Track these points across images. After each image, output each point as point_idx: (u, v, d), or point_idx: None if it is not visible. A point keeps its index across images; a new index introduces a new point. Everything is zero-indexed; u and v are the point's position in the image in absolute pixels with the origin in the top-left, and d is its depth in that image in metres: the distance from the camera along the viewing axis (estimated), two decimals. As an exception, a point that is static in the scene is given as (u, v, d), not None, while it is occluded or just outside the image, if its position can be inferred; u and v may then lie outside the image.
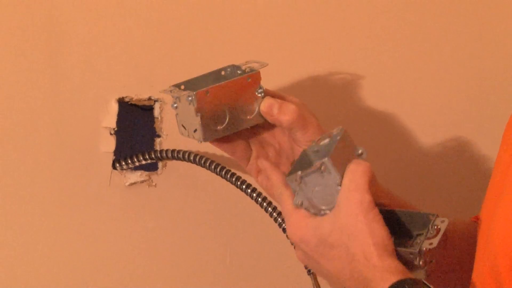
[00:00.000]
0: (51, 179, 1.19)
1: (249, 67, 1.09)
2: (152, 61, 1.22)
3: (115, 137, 1.22)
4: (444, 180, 1.42)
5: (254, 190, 1.16)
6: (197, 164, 1.18)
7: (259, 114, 1.09)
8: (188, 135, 1.08)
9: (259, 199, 1.16)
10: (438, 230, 0.98)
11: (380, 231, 0.95)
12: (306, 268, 1.16)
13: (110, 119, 1.21)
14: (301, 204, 1.00)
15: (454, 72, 1.38)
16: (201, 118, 1.05)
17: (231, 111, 1.07)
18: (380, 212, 0.98)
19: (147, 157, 1.21)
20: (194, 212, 1.27)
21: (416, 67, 1.37)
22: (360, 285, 0.96)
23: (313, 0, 1.29)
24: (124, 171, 1.23)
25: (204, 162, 1.17)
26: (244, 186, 1.16)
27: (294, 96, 1.10)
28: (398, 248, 0.97)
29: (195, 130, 1.06)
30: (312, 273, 1.16)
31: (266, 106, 1.08)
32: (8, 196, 1.18)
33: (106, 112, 1.21)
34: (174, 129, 1.23)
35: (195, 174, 1.25)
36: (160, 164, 1.25)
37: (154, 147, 1.25)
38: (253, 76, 1.08)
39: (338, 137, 1.00)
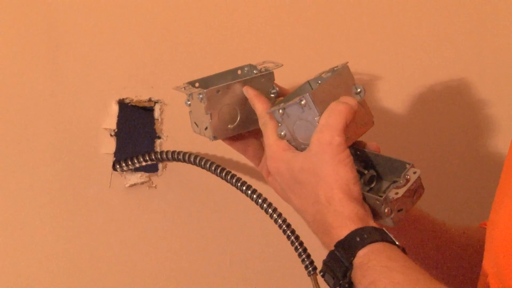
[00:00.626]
0: (51, 180, 1.19)
1: (264, 67, 1.09)
2: (152, 62, 1.22)
3: (115, 139, 1.22)
4: (451, 185, 1.42)
5: (254, 191, 1.16)
6: (197, 166, 1.18)
7: None
8: (200, 132, 1.08)
9: (259, 201, 1.16)
10: (408, 180, 0.98)
11: (346, 174, 0.94)
12: (306, 269, 1.16)
13: (111, 120, 1.21)
14: (284, 136, 1.00)
15: (462, 74, 1.39)
16: (211, 116, 1.05)
17: (242, 110, 1.07)
18: (358, 153, 0.98)
19: (147, 158, 1.21)
20: (194, 213, 1.27)
21: (422, 67, 1.37)
22: (321, 228, 0.96)
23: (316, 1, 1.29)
24: (125, 172, 1.23)
25: (205, 164, 1.17)
26: (244, 188, 1.16)
27: None
28: (366, 193, 0.97)
29: (206, 128, 1.06)
30: (313, 274, 1.16)
31: None
32: (9, 197, 1.18)
33: (106, 113, 1.21)
34: (175, 130, 1.23)
35: (195, 176, 1.25)
36: (160, 165, 1.25)
37: (154, 148, 1.25)
38: (267, 76, 1.08)
39: (339, 69, 1.00)
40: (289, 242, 1.16)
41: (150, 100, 1.23)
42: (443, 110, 1.39)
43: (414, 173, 0.99)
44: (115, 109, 1.21)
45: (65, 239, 1.21)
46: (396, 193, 0.97)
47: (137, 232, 1.25)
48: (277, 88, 1.08)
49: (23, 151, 1.17)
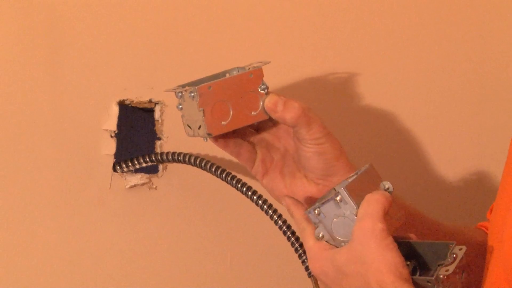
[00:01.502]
0: (51, 182, 1.19)
1: (252, 66, 1.10)
2: (152, 63, 1.22)
3: (115, 140, 1.22)
4: (449, 186, 1.42)
5: (254, 192, 1.16)
6: (197, 167, 1.18)
7: (264, 110, 1.09)
8: (194, 134, 1.08)
9: (260, 202, 1.16)
10: (456, 258, 0.98)
11: (394, 259, 0.94)
12: (306, 270, 1.16)
13: (111, 121, 1.21)
14: (322, 237, 1.01)
15: (461, 75, 1.39)
16: (204, 113, 1.05)
17: (235, 106, 1.07)
18: (398, 244, 0.97)
19: (148, 159, 1.21)
20: (194, 215, 1.27)
21: (420, 68, 1.37)
22: None
23: (312, 2, 1.29)
24: (125, 173, 1.23)
25: (205, 165, 1.17)
26: (244, 189, 1.17)
27: (295, 98, 1.10)
28: (414, 277, 0.97)
29: (199, 127, 1.07)
30: (312, 275, 1.16)
31: (271, 102, 1.08)
32: (9, 198, 1.18)
33: (106, 114, 1.21)
34: (175, 131, 1.23)
35: (195, 177, 1.25)
36: (160, 166, 1.25)
37: (155, 149, 1.25)
38: (256, 73, 1.08)
39: (367, 167, 1.01)
40: (290, 243, 1.16)
41: (150, 101, 1.23)
42: (442, 111, 1.39)
43: (460, 249, 0.99)
44: (115, 110, 1.21)
45: (66, 240, 1.21)
46: (446, 270, 0.96)
47: (138, 233, 1.25)
48: (267, 84, 1.08)
49: (23, 152, 1.17)
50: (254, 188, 1.17)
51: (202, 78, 1.10)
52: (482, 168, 1.42)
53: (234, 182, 1.17)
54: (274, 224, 1.17)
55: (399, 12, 1.35)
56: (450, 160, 1.41)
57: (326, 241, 1.00)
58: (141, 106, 1.23)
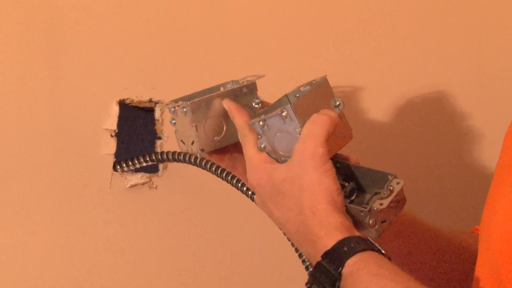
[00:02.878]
0: (52, 181, 1.19)
1: (246, 80, 1.09)
2: (153, 63, 1.22)
3: (116, 139, 1.22)
4: (443, 189, 1.42)
5: (254, 192, 1.16)
6: (197, 166, 1.18)
7: None
8: (187, 149, 1.07)
9: (260, 201, 1.17)
10: (392, 191, 0.98)
11: (330, 186, 0.94)
12: (306, 270, 1.16)
13: (111, 121, 1.21)
14: (264, 148, 0.99)
15: (454, 75, 1.39)
16: (196, 129, 1.04)
17: (228, 122, 1.07)
18: (339, 166, 0.97)
19: (148, 159, 1.21)
20: (194, 214, 1.27)
21: (416, 71, 1.37)
22: (306, 239, 0.94)
23: (309, 10, 1.29)
24: (125, 173, 1.23)
25: (205, 164, 1.17)
26: (244, 188, 1.16)
27: None
28: (349, 205, 0.97)
29: (192, 143, 1.06)
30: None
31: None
32: (9, 198, 1.18)
33: (107, 114, 1.21)
34: (175, 131, 1.23)
35: (195, 176, 1.25)
36: (160, 166, 1.25)
37: (155, 149, 1.25)
38: (249, 87, 1.08)
39: (319, 82, 1.00)
40: (290, 242, 1.16)
41: (150, 100, 1.23)
42: (434, 116, 1.39)
43: (398, 183, 0.98)
44: (115, 109, 1.21)
45: (66, 239, 1.21)
46: (381, 204, 0.97)
47: (138, 233, 1.25)
48: (261, 99, 1.08)
49: (23, 151, 1.17)
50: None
51: (197, 92, 1.08)
52: (480, 170, 1.42)
53: (234, 181, 1.17)
54: (274, 224, 1.17)
55: (399, 12, 1.35)
56: (447, 162, 1.41)
57: (267, 153, 0.99)
58: (141, 105, 1.23)
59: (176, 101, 1.07)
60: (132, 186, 1.23)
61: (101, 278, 1.24)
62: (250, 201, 1.17)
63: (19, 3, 1.14)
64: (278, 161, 0.99)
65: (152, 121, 1.24)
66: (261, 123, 0.99)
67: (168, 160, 1.20)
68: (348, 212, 0.96)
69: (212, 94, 1.06)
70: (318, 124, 0.96)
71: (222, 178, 1.17)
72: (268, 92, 1.26)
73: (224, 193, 1.25)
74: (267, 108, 1.04)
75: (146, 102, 1.23)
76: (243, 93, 1.07)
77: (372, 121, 1.36)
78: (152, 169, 1.24)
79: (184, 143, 1.07)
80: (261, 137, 1.00)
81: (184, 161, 1.19)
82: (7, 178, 1.17)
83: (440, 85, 1.38)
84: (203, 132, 1.05)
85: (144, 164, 1.22)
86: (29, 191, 1.18)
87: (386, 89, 1.36)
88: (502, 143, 1.02)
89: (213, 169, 1.17)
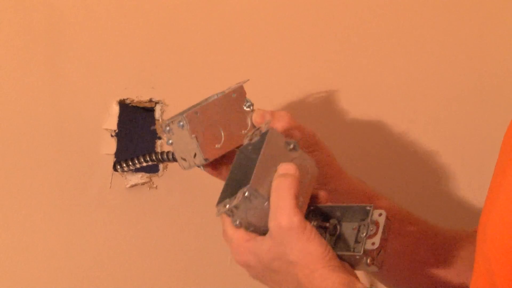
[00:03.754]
0: (52, 181, 1.19)
1: (230, 88, 1.09)
2: (153, 63, 1.22)
3: (116, 139, 1.22)
4: (445, 190, 1.42)
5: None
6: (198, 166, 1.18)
7: (253, 127, 1.09)
8: (190, 165, 1.07)
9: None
10: (378, 225, 0.97)
11: (317, 250, 0.94)
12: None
13: (111, 121, 1.21)
14: (240, 224, 0.98)
15: (452, 78, 1.39)
16: (197, 139, 1.04)
17: (225, 128, 1.07)
18: (317, 212, 0.97)
19: (148, 159, 1.21)
20: (195, 214, 1.27)
21: (413, 74, 1.37)
22: None
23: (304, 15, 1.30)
24: (125, 173, 1.23)
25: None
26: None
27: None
28: (342, 253, 0.96)
29: (195, 155, 1.06)
30: None
31: (258, 116, 1.07)
32: (9, 198, 1.18)
33: (107, 114, 1.21)
34: (175, 131, 1.23)
35: (196, 176, 1.24)
36: (161, 166, 1.25)
37: (155, 149, 1.25)
38: (237, 91, 1.08)
39: (266, 136, 0.99)
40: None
41: (151, 100, 1.23)
42: (440, 113, 1.39)
43: (380, 215, 0.98)
44: (116, 109, 1.21)
45: (66, 239, 1.21)
46: (373, 244, 0.96)
47: (138, 233, 1.24)
48: (251, 101, 1.08)
49: (24, 151, 1.17)
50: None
51: (184, 110, 1.09)
52: (483, 169, 1.42)
53: (234, 181, 1.17)
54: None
55: (398, 12, 1.35)
56: (447, 162, 1.41)
57: (245, 228, 0.98)
58: (141, 105, 1.23)
59: (167, 121, 1.06)
60: (132, 186, 1.23)
61: (101, 278, 1.23)
62: (251, 201, 1.17)
63: (19, 3, 1.14)
64: (258, 232, 0.98)
65: (152, 121, 1.24)
66: (227, 211, 0.98)
67: (168, 160, 1.20)
68: (342, 258, 0.96)
69: (205, 103, 1.06)
70: (283, 193, 0.95)
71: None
72: (267, 92, 1.26)
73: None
74: (225, 186, 1.02)
75: (146, 102, 1.23)
76: (233, 98, 1.07)
77: (371, 122, 1.36)
78: (152, 169, 1.24)
79: (185, 160, 1.07)
80: (233, 216, 0.98)
81: (185, 161, 1.19)
82: (7, 178, 1.17)
83: (443, 79, 1.38)
84: (204, 142, 1.05)
85: (144, 164, 1.21)
86: (29, 191, 1.18)
87: (386, 89, 1.36)
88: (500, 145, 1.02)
89: (213, 169, 1.17)
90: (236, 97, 1.08)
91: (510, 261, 0.86)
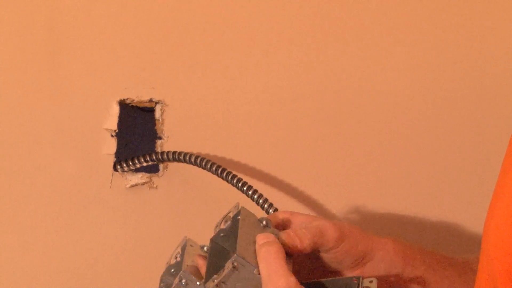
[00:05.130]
0: (52, 181, 1.19)
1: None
2: (153, 63, 1.22)
3: (116, 139, 1.22)
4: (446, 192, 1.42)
5: (255, 192, 1.16)
6: (198, 166, 1.18)
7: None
8: None
9: (260, 201, 1.16)
10: None
11: None
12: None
13: (111, 121, 1.21)
14: None
15: (454, 74, 1.39)
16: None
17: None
18: (308, 285, 0.94)
19: (148, 159, 1.21)
20: (195, 214, 1.27)
21: (416, 71, 1.37)
22: None
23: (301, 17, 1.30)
24: (125, 173, 1.23)
25: (206, 164, 1.17)
26: (245, 188, 1.16)
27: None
28: None
29: None
30: None
31: (285, 243, 0.99)
32: (9, 198, 1.18)
33: (107, 114, 1.21)
34: (175, 130, 1.23)
35: (196, 176, 1.25)
36: (161, 166, 1.25)
37: (155, 149, 1.24)
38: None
39: (238, 217, 0.97)
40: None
41: (151, 100, 1.23)
42: (440, 115, 1.39)
43: (371, 282, 0.95)
44: (116, 109, 1.21)
45: (66, 239, 1.21)
46: None
47: (138, 233, 1.25)
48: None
49: (24, 151, 1.17)
50: (255, 187, 1.16)
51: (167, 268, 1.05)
52: (485, 175, 1.42)
53: (234, 181, 1.16)
54: (275, 223, 1.17)
55: (397, 12, 1.35)
56: (448, 165, 1.41)
57: None
58: (141, 105, 1.23)
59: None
60: (132, 186, 1.23)
61: (101, 278, 1.24)
62: (251, 201, 1.17)
63: (19, 3, 1.14)
64: None
65: (153, 121, 1.24)
66: (217, 286, 0.95)
67: (169, 160, 1.20)
68: None
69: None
70: (274, 258, 0.93)
71: (223, 178, 1.17)
72: (268, 92, 1.26)
73: (224, 193, 1.25)
74: (208, 270, 0.97)
75: (146, 102, 1.23)
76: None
77: (372, 122, 1.36)
78: (153, 169, 1.24)
79: None
80: None
81: (185, 161, 1.19)
82: (7, 178, 1.17)
83: (438, 85, 1.38)
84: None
85: (145, 164, 1.22)
86: (29, 191, 1.18)
87: (385, 89, 1.36)
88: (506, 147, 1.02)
89: (214, 169, 1.17)
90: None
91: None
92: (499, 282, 0.87)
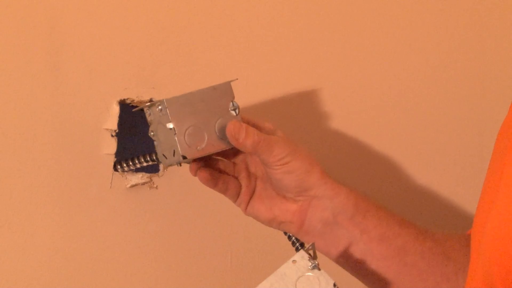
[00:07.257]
0: (52, 181, 1.19)
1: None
2: (153, 63, 1.22)
3: (116, 139, 1.22)
4: (439, 193, 1.42)
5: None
6: (198, 166, 1.18)
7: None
8: (170, 162, 1.07)
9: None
10: None
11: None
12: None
13: (112, 121, 1.21)
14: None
15: (454, 74, 1.39)
16: (175, 129, 1.04)
17: (209, 130, 1.06)
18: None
19: (149, 159, 1.21)
20: (195, 214, 1.27)
21: (416, 70, 1.37)
22: None
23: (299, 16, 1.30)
24: (126, 173, 1.23)
25: (205, 164, 1.17)
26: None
27: (268, 119, 1.12)
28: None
29: (174, 153, 1.05)
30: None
31: (233, 128, 1.07)
32: (10, 198, 1.18)
33: (107, 114, 1.21)
34: (175, 131, 1.23)
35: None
36: (161, 166, 1.25)
37: (155, 149, 1.24)
38: (223, 88, 1.07)
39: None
40: (290, 242, 1.16)
41: (151, 100, 1.23)
42: (438, 114, 1.40)
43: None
44: (116, 109, 1.21)
45: (66, 239, 1.21)
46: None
47: (138, 233, 1.25)
48: (238, 105, 1.07)
49: (24, 151, 1.17)
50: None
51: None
52: (474, 171, 1.42)
53: (234, 181, 1.17)
54: (275, 223, 1.17)
55: (397, 12, 1.35)
56: (443, 164, 1.41)
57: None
58: (142, 105, 1.23)
59: (148, 104, 1.07)
60: (132, 186, 1.23)
61: (101, 278, 1.24)
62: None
63: (19, 3, 1.14)
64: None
65: (153, 121, 1.24)
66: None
67: (169, 160, 1.20)
68: None
69: (186, 93, 1.05)
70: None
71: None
72: (267, 93, 1.26)
73: (224, 193, 1.25)
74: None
75: (146, 102, 1.23)
76: (218, 96, 1.07)
77: (370, 121, 1.36)
78: (153, 169, 1.24)
79: (166, 157, 1.07)
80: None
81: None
82: (7, 178, 1.17)
83: (442, 80, 1.38)
84: (183, 140, 1.04)
85: (145, 164, 1.21)
86: (29, 191, 1.18)
87: (384, 88, 1.36)
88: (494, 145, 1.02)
89: (214, 168, 1.17)
90: (221, 95, 1.07)
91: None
92: (497, 282, 0.87)
